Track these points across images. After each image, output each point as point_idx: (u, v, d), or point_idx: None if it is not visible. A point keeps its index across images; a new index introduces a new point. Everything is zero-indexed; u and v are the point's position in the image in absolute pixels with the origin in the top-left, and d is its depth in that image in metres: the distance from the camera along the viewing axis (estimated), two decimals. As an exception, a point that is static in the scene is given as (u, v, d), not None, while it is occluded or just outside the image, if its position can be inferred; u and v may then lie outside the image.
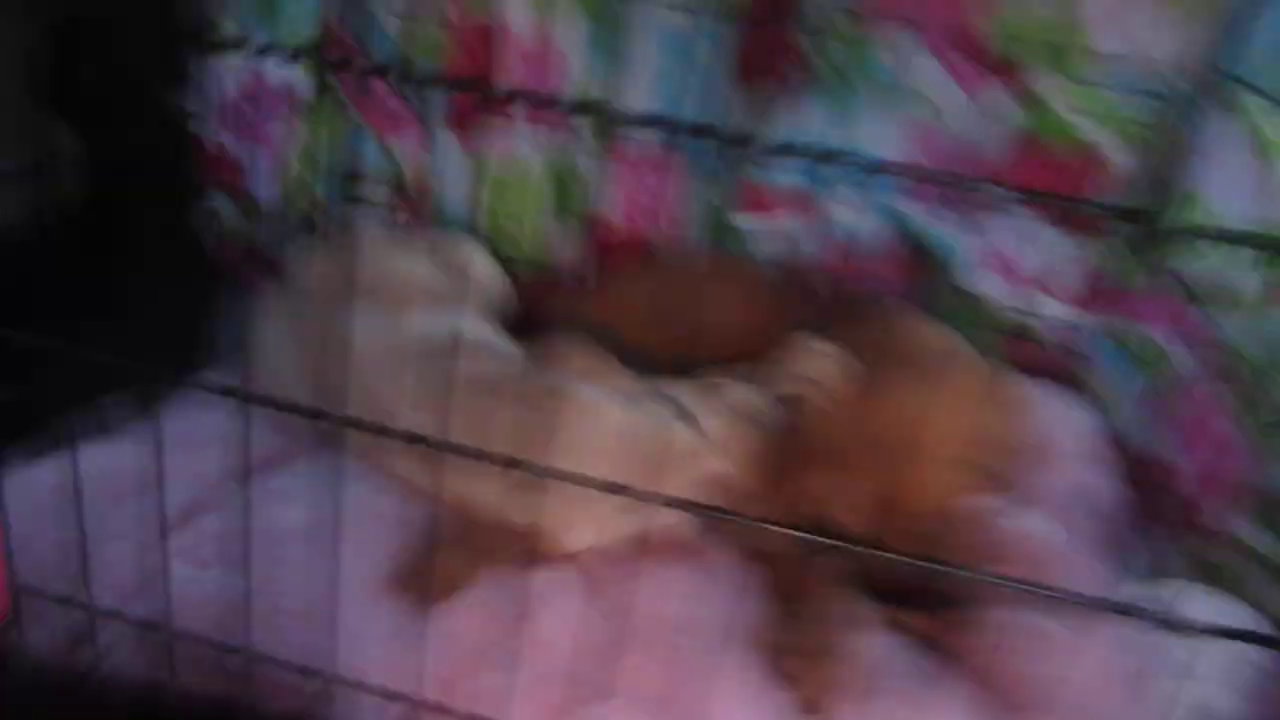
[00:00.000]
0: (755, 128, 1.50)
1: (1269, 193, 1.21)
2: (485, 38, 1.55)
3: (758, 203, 1.52)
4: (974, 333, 1.50)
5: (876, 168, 1.40)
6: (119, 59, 1.37)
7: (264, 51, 1.28)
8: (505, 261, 1.52)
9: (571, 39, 1.53)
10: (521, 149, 1.57)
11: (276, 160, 1.58)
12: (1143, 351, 1.46)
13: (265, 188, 1.59)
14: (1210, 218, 1.32)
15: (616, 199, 1.59)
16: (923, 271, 1.54)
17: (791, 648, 0.94)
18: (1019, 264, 1.48)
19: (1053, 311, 1.49)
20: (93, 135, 1.36)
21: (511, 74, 1.55)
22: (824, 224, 1.51)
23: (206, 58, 1.52)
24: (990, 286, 1.50)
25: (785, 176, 1.51)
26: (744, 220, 1.54)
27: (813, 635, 0.94)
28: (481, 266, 1.45)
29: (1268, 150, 1.22)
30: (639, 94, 1.54)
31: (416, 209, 1.62)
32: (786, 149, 1.43)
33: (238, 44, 1.50)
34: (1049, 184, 1.43)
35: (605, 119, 1.54)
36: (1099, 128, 1.42)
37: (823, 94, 1.48)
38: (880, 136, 1.48)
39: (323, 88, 1.57)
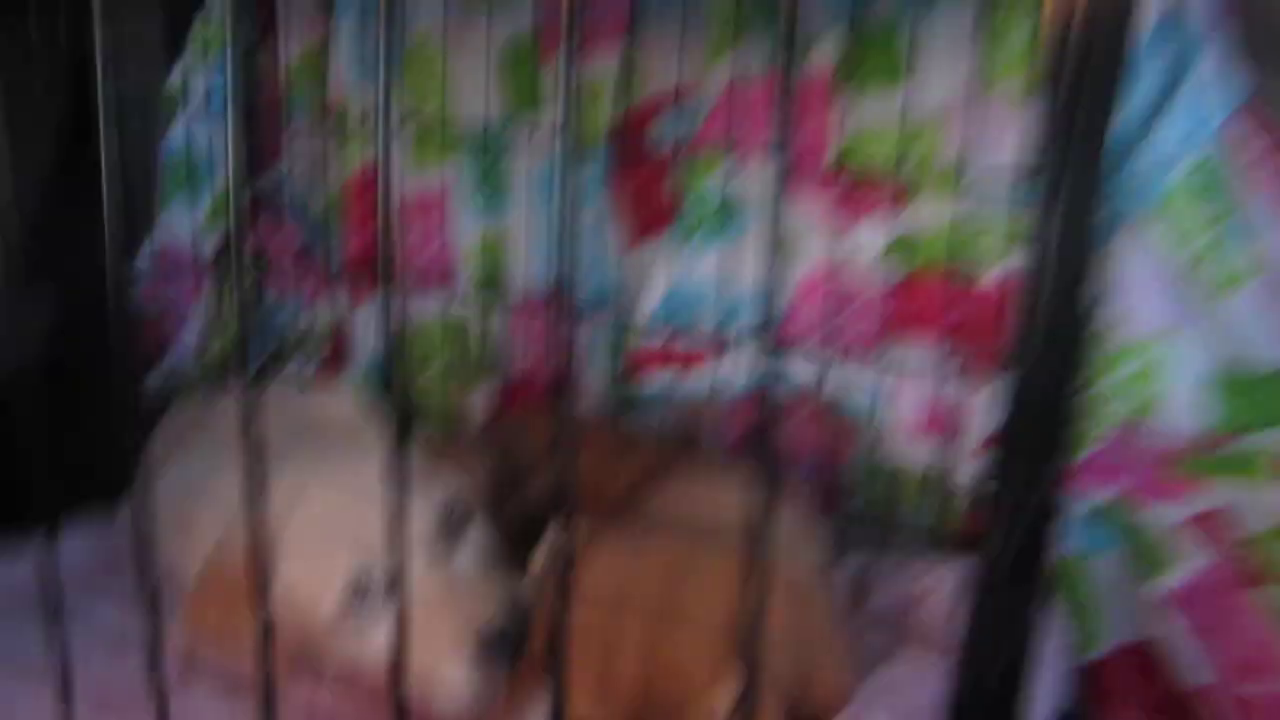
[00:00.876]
0: (641, 285, 1.36)
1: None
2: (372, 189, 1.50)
3: (654, 363, 1.38)
4: (921, 512, 1.30)
5: (775, 342, 1.27)
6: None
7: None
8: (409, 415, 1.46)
9: (460, 192, 1.45)
10: (424, 308, 1.51)
11: (192, 327, 1.59)
12: (1129, 530, 1.20)
13: (183, 355, 1.60)
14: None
15: (515, 352, 1.49)
16: (843, 436, 1.34)
17: None
18: (953, 417, 1.25)
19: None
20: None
21: (405, 230, 1.49)
22: (722, 383, 1.35)
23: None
24: (919, 451, 1.27)
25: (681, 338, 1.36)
26: (643, 383, 1.40)
27: None
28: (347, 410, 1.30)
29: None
30: (525, 248, 1.43)
31: (331, 364, 1.60)
32: (679, 327, 1.31)
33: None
34: (950, 320, 1.20)
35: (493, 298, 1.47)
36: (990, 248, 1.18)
37: (698, 239, 1.32)
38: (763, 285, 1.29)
39: (227, 252, 1.56)
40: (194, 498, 1.02)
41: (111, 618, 0.88)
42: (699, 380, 1.37)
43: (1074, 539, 1.25)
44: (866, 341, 1.27)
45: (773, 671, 0.84)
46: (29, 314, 1.46)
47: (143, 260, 1.58)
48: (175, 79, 1.48)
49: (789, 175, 1.23)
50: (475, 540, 0.97)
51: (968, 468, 1.23)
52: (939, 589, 1.12)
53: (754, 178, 1.25)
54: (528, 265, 1.43)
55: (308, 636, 0.92)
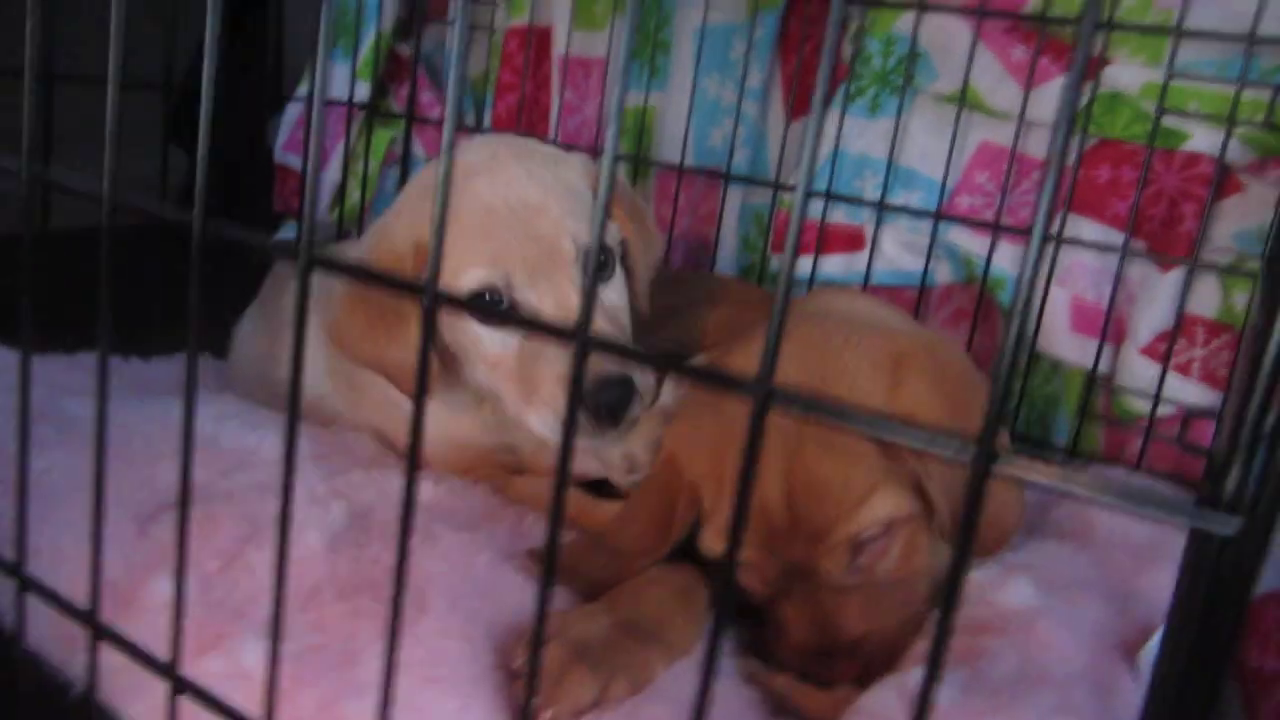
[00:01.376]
0: (800, 156, 1.30)
1: None
2: (529, 47, 1.49)
3: (802, 241, 1.31)
4: (1060, 415, 1.21)
5: (938, 215, 1.22)
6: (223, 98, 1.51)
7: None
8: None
9: (614, 51, 1.42)
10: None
11: (331, 182, 1.58)
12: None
13: (318, 205, 1.59)
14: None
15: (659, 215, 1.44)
16: (994, 321, 1.26)
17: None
18: (1116, 315, 1.16)
19: (1173, 390, 1.12)
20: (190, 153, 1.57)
21: (553, 86, 1.47)
22: (880, 262, 1.28)
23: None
24: (1076, 351, 1.18)
25: (834, 211, 1.29)
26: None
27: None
28: None
29: None
30: (680, 111, 1.40)
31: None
32: (839, 196, 1.25)
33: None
34: (1131, 195, 1.12)
35: (640, 166, 1.43)
36: (1190, 121, 1.10)
37: (868, 102, 1.26)
38: (934, 152, 1.23)
39: (377, 106, 1.55)
40: None
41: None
42: (853, 263, 1.30)
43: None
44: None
45: (945, 482, 0.77)
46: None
47: (293, 108, 1.58)
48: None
49: (977, 21, 1.18)
50: (616, 290, 0.94)
51: (1132, 370, 1.14)
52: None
53: (939, 27, 1.20)
54: (681, 134, 1.39)
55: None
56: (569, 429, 0.39)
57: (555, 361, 0.86)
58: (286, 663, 0.68)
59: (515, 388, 0.89)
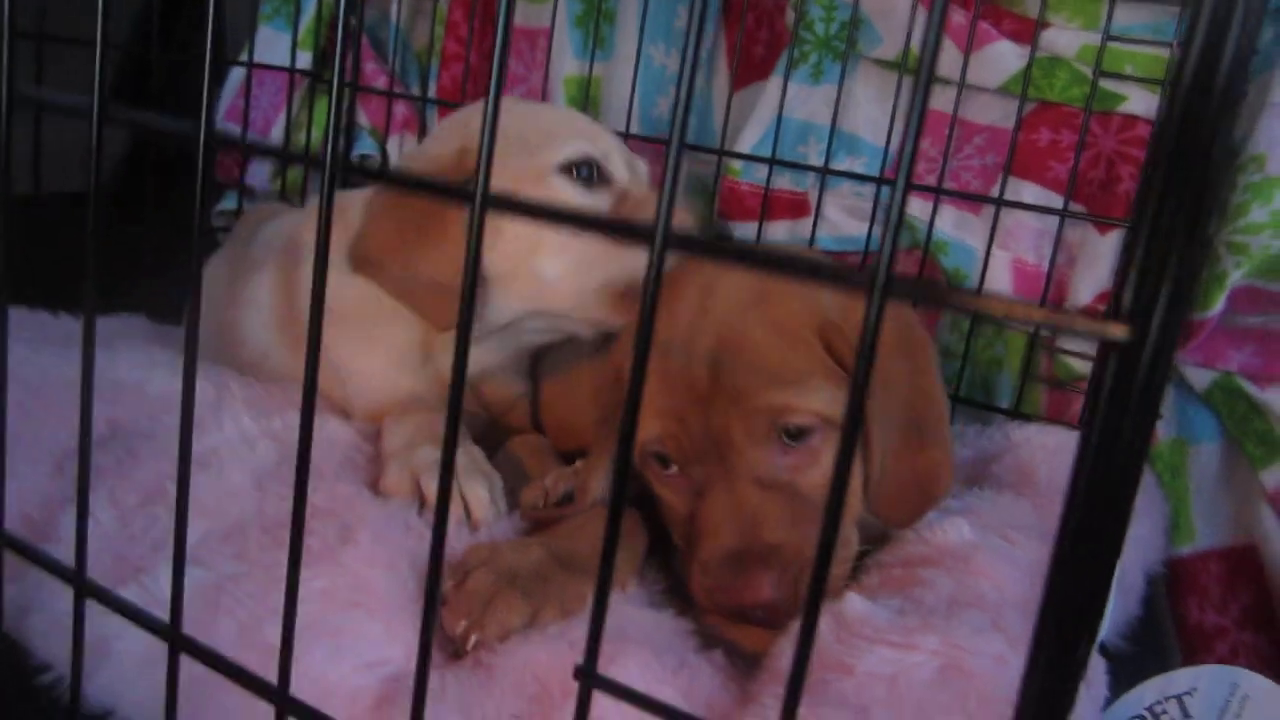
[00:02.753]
0: (742, 122, 1.30)
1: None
2: (474, 16, 1.48)
3: (746, 207, 1.31)
4: (1003, 377, 1.22)
5: (881, 179, 1.22)
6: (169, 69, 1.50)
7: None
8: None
9: (559, 19, 1.41)
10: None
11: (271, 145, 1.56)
12: (1232, 407, 1.11)
13: (260, 174, 1.57)
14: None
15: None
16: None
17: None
18: (1057, 278, 1.17)
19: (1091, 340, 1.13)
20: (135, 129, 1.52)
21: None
22: (822, 227, 1.28)
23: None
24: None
25: (780, 177, 1.29)
26: (731, 227, 1.33)
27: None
28: None
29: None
30: (624, 79, 1.39)
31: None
32: (783, 162, 1.25)
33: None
34: (1070, 158, 1.13)
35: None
36: (1126, 84, 1.11)
37: (811, 68, 1.26)
38: (877, 118, 1.24)
39: (320, 75, 1.54)
40: None
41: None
42: (797, 229, 1.30)
43: (1181, 419, 1.16)
44: (981, 183, 1.20)
45: (879, 407, 0.77)
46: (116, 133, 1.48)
47: (233, 76, 1.56)
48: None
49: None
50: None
51: (1071, 335, 1.15)
52: (1018, 447, 1.04)
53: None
54: (627, 103, 1.38)
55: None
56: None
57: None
58: (206, 591, 0.67)
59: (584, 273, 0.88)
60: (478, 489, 0.80)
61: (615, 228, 0.37)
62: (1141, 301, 0.29)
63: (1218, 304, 1.04)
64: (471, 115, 0.95)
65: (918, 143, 0.32)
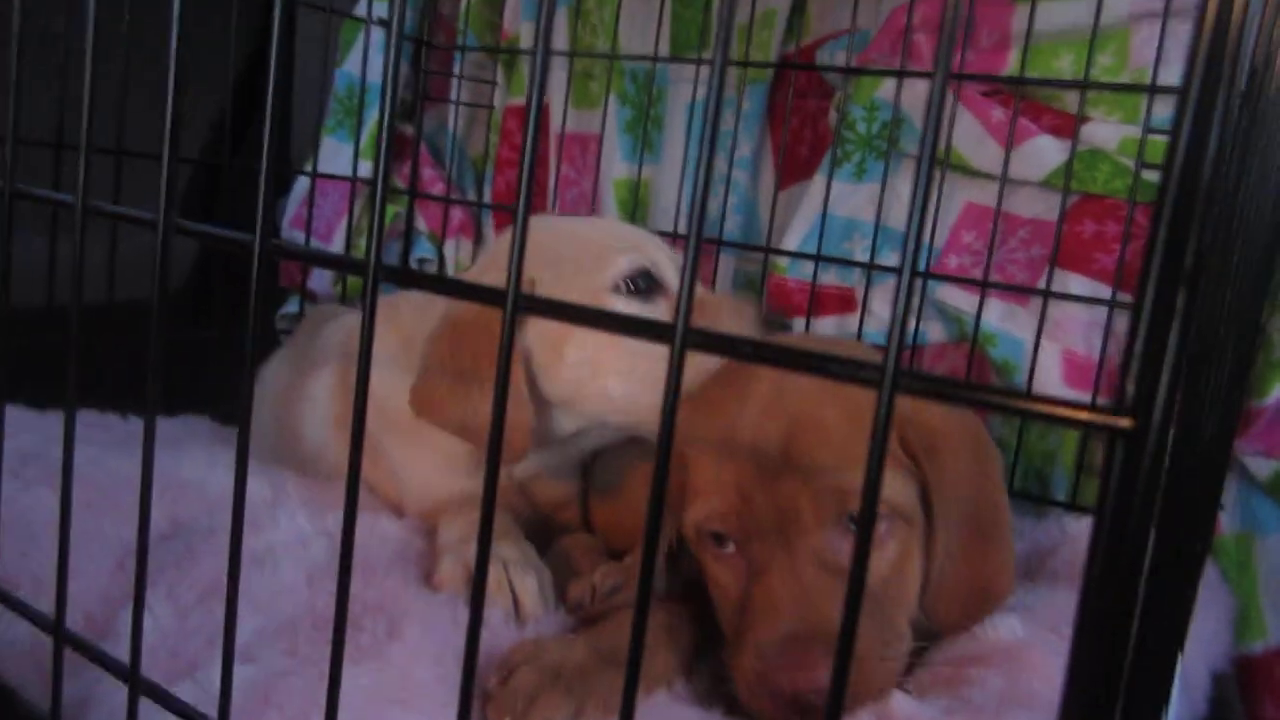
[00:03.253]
0: (788, 221, 1.32)
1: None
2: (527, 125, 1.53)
3: (794, 304, 1.33)
4: (1057, 470, 1.21)
5: (927, 274, 1.23)
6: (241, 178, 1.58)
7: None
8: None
9: (609, 125, 1.46)
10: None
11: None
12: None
13: (322, 279, 1.62)
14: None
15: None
16: (986, 378, 1.27)
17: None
18: (1108, 368, 1.16)
19: None
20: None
21: (551, 162, 1.50)
22: (869, 321, 1.29)
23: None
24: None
25: (825, 274, 1.31)
26: (788, 320, 1.34)
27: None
28: None
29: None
30: (672, 181, 1.43)
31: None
32: (829, 258, 1.27)
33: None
34: (1115, 249, 1.13)
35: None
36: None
37: (854, 167, 1.28)
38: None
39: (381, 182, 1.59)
40: None
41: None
42: (845, 324, 1.31)
43: (1245, 510, 1.14)
44: (1027, 275, 1.21)
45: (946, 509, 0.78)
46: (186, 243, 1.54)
47: (298, 186, 1.63)
48: (360, 9, 1.55)
49: (957, 85, 1.21)
50: None
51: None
52: (1075, 540, 1.02)
53: (921, 92, 1.22)
54: (674, 205, 1.42)
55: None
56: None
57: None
58: (257, 686, 0.68)
59: (653, 389, 0.88)
60: (528, 582, 0.81)
61: (638, 325, 0.38)
62: (1143, 389, 0.30)
63: (1274, 391, 1.02)
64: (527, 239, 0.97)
65: (923, 226, 0.33)
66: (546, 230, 0.94)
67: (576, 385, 0.89)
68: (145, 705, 0.58)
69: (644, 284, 0.90)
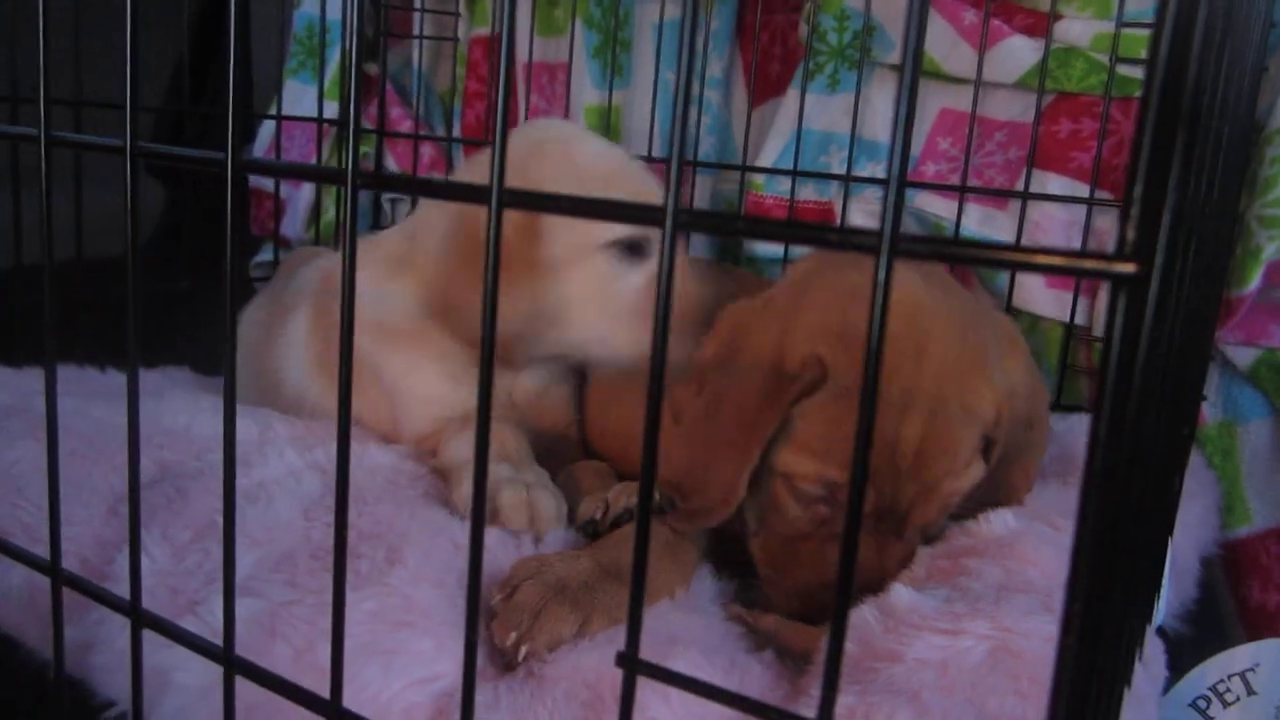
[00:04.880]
0: (763, 138, 1.31)
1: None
2: (494, 55, 1.50)
3: (778, 214, 1.32)
4: (1042, 370, 1.21)
5: (904, 182, 1.22)
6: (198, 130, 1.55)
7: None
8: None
9: (578, 52, 1.44)
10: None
11: (306, 200, 1.59)
12: (1279, 382, 1.09)
13: (294, 224, 1.60)
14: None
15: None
16: (969, 283, 1.27)
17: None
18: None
19: None
20: (172, 190, 1.63)
21: (520, 92, 1.48)
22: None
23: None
24: (1046, 301, 1.18)
25: (803, 189, 1.30)
26: (758, 243, 1.33)
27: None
28: None
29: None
30: (643, 105, 1.41)
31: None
32: (806, 173, 1.26)
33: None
34: (1093, 146, 1.13)
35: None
36: (1144, 67, 1.10)
37: (827, 79, 1.27)
38: (894, 122, 1.24)
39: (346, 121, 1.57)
40: None
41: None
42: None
43: (1227, 399, 1.15)
44: (1005, 178, 1.20)
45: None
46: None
47: (263, 131, 1.60)
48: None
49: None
50: None
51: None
52: (1062, 436, 1.03)
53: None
54: (647, 128, 1.40)
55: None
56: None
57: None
58: (261, 618, 0.68)
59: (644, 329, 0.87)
60: (547, 500, 0.82)
61: (626, 210, 0.38)
62: (1144, 235, 0.29)
63: (1254, 280, 1.03)
64: (531, 157, 0.92)
65: (910, 125, 0.32)
66: (560, 152, 0.94)
67: (567, 299, 0.91)
68: (150, 643, 0.58)
69: (632, 249, 0.91)
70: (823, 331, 0.75)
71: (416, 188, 0.43)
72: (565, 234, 0.90)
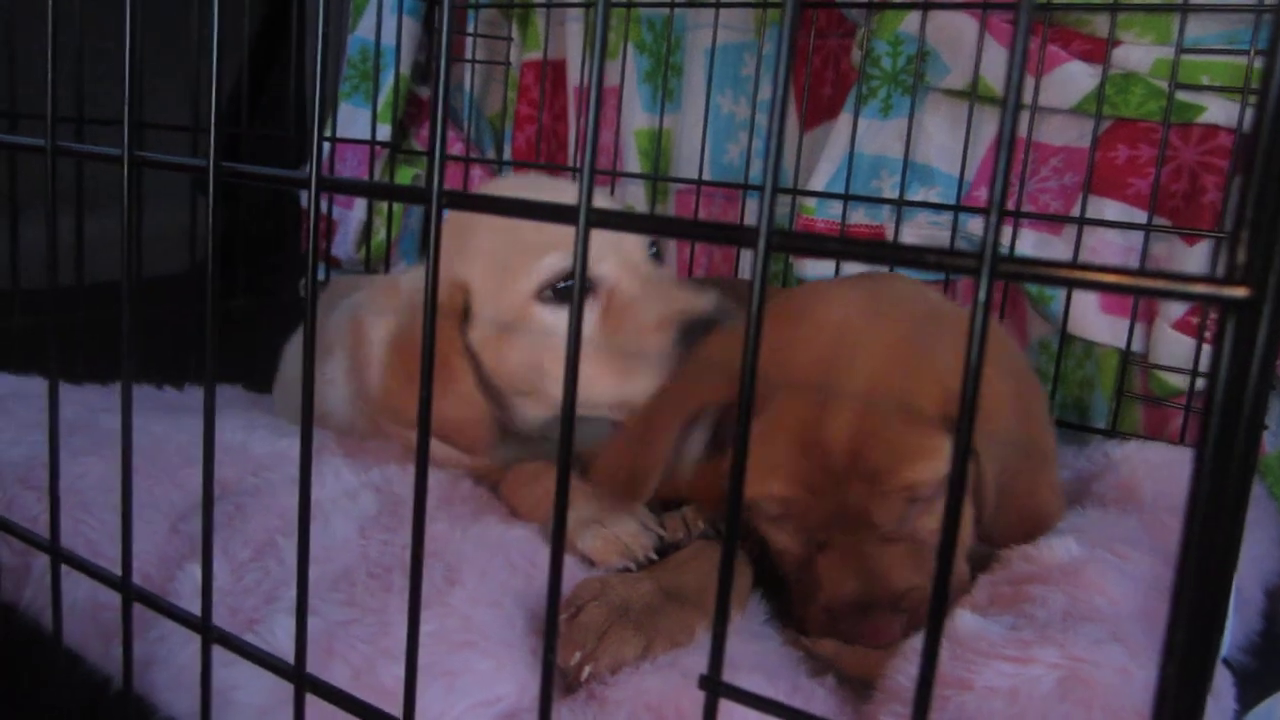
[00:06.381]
0: (814, 163, 1.31)
1: None
2: (544, 79, 1.52)
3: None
4: (1096, 397, 1.20)
5: (957, 206, 1.22)
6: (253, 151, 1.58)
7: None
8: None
9: (629, 76, 1.45)
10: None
11: (357, 220, 1.61)
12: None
13: (345, 245, 1.61)
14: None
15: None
16: (1021, 311, 1.26)
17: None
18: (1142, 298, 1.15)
19: (1186, 353, 1.11)
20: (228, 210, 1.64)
21: (570, 116, 1.49)
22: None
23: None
24: (1101, 327, 1.17)
25: (854, 212, 1.30)
26: (808, 265, 1.33)
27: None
28: None
29: None
30: (694, 127, 1.42)
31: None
32: (858, 197, 1.26)
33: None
34: (1150, 173, 1.11)
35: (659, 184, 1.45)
36: (1204, 94, 1.10)
37: (880, 103, 1.27)
38: (950, 147, 1.24)
39: (399, 145, 1.59)
40: None
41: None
42: (874, 265, 1.30)
43: (1285, 428, 1.13)
44: (1060, 203, 1.19)
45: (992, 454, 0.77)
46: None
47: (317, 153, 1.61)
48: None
49: (982, 15, 1.19)
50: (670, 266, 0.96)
51: (1167, 346, 1.12)
52: (1119, 465, 1.01)
53: (945, 24, 1.20)
54: (698, 153, 1.40)
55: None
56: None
57: (648, 311, 0.86)
58: (319, 637, 0.68)
59: (605, 368, 0.87)
60: (629, 525, 0.82)
61: (716, 230, 0.38)
62: (1257, 258, 0.29)
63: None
64: (459, 240, 0.92)
65: (1010, 165, 0.32)
66: (484, 222, 0.91)
67: (526, 381, 0.91)
68: (213, 661, 0.58)
69: (567, 284, 0.87)
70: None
71: (497, 206, 0.43)
72: (493, 297, 0.89)
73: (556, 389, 0.90)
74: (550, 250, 0.87)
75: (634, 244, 0.90)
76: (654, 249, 0.93)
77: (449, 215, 0.92)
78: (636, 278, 0.89)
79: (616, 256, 0.89)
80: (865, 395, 0.75)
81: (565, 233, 0.85)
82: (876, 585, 0.73)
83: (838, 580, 0.74)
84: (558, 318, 0.88)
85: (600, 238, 0.87)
